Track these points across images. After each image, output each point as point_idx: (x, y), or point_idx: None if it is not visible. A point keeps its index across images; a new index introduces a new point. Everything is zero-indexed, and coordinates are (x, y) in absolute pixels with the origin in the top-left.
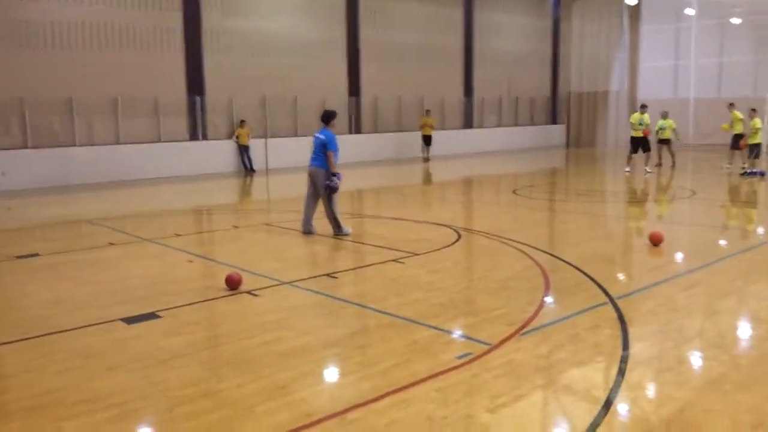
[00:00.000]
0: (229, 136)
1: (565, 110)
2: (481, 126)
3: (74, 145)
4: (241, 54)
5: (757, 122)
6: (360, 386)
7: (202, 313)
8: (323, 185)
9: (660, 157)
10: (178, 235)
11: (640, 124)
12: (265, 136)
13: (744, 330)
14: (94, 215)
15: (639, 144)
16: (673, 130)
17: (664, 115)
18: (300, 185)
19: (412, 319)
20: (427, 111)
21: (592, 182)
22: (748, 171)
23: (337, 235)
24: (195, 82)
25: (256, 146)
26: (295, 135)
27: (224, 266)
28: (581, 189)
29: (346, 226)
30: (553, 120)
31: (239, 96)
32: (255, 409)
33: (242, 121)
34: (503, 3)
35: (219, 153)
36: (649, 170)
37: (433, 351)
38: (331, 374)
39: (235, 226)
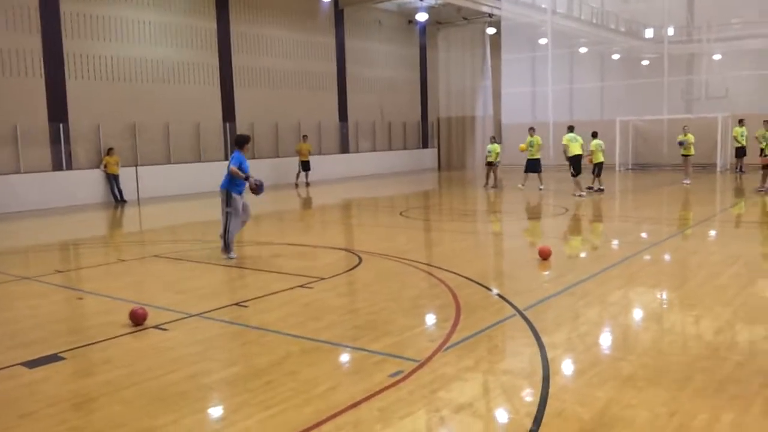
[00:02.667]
0: (97, 165)
1: (435, 134)
2: (356, 150)
3: None
4: (107, 79)
5: (598, 144)
6: (302, 412)
7: (111, 351)
8: (224, 204)
9: (487, 178)
10: (60, 272)
11: (531, 145)
12: (135, 164)
13: (640, 331)
14: None
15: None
16: (497, 153)
17: (492, 140)
18: (175, 214)
19: (335, 342)
20: (304, 136)
21: (472, 203)
22: (596, 188)
23: (223, 254)
24: (57, 109)
25: (126, 175)
26: (168, 162)
27: (120, 301)
28: (465, 209)
29: (234, 252)
30: (425, 144)
31: (106, 123)
32: None
33: (110, 149)
34: (373, 32)
35: (86, 183)
36: (532, 187)
37: (366, 372)
38: (269, 402)
39: (122, 259)
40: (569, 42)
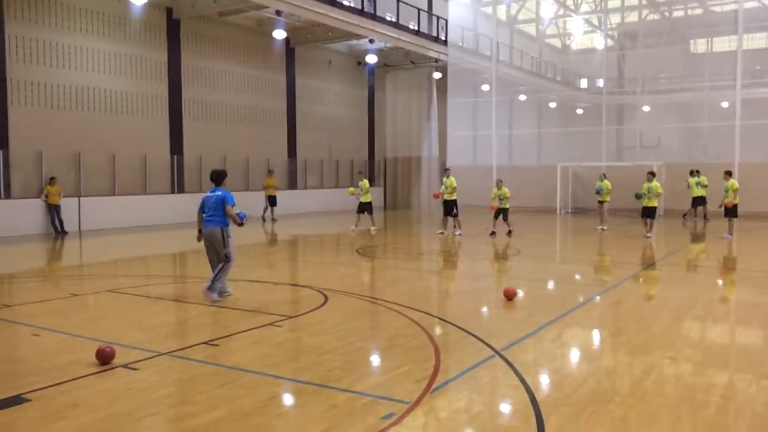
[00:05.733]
0: (37, 195)
1: (382, 173)
2: (304, 187)
3: None
4: (52, 106)
5: (506, 191)
6: None
7: (81, 392)
8: (221, 244)
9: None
10: (7, 306)
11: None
12: (78, 194)
13: (622, 372)
14: None
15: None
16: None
17: (448, 174)
18: (121, 247)
19: (318, 383)
20: (270, 171)
21: (426, 243)
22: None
23: (211, 295)
24: None
25: (68, 205)
26: (113, 194)
27: (81, 339)
28: (421, 249)
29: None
30: (371, 182)
31: (49, 151)
32: None
33: (52, 179)
34: (323, 71)
35: (25, 213)
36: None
37: (357, 414)
38: None
39: (74, 294)
40: (510, 89)
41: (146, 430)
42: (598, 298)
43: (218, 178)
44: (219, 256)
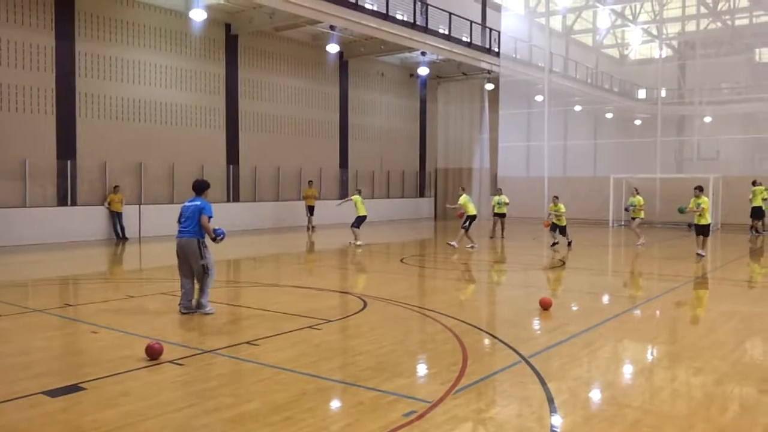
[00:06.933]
0: (101, 202)
1: (432, 184)
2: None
3: None
4: (116, 119)
5: (561, 207)
6: None
7: (129, 383)
8: (197, 256)
9: (493, 229)
10: (69, 305)
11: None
12: (139, 202)
13: (643, 380)
14: None
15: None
16: (506, 203)
17: (499, 191)
18: None
19: (349, 382)
20: (310, 182)
21: (471, 253)
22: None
23: (200, 311)
24: (66, 146)
25: (129, 213)
26: (171, 202)
27: (134, 336)
28: (465, 259)
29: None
30: (422, 193)
31: (113, 161)
32: None
33: (116, 187)
34: (375, 83)
35: (90, 219)
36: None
37: (381, 411)
38: None
39: (130, 296)
40: (564, 100)
41: (186, 418)
42: (635, 310)
43: (200, 187)
44: (196, 270)
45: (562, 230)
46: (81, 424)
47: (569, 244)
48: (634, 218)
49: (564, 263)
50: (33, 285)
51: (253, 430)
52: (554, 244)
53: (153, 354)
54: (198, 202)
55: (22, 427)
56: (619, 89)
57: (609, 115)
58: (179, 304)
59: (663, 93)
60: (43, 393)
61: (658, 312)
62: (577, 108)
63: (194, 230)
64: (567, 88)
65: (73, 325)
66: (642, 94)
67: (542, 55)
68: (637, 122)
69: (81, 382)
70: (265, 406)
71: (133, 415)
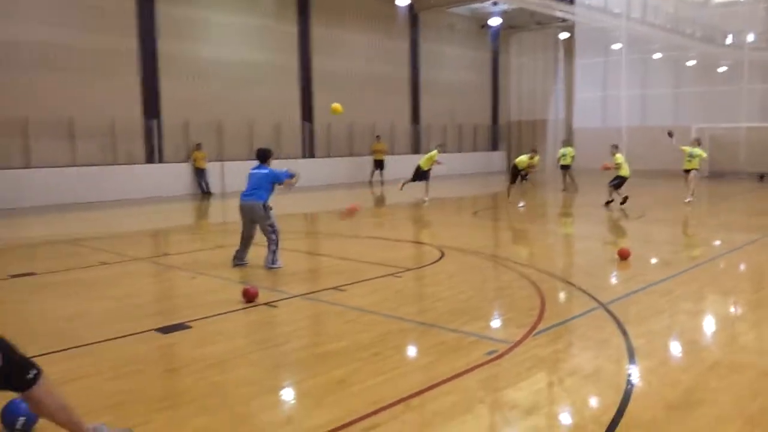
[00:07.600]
0: (186, 160)
1: (505, 138)
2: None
3: (28, 167)
4: (195, 79)
5: (618, 157)
6: (409, 379)
7: (229, 323)
8: (263, 217)
9: (564, 181)
10: (167, 254)
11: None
12: (221, 159)
13: (721, 327)
14: (70, 237)
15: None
16: (572, 156)
17: (564, 143)
18: None
19: (430, 323)
20: (378, 137)
21: (543, 205)
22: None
23: (272, 266)
24: (151, 106)
25: (212, 169)
26: (250, 159)
27: (230, 281)
28: (538, 211)
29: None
30: (494, 147)
31: (194, 120)
32: (323, 401)
33: (198, 145)
34: (446, 36)
35: (175, 176)
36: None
37: (463, 350)
38: (379, 370)
39: (220, 246)
40: (643, 47)
41: (283, 353)
42: (715, 260)
43: (264, 155)
44: (264, 229)
45: (619, 184)
46: (192, 356)
47: (624, 200)
48: (688, 170)
49: (643, 215)
50: (130, 237)
51: (343, 363)
52: (608, 203)
53: (249, 297)
54: (266, 170)
55: (142, 357)
56: (702, 35)
57: (691, 63)
58: (233, 258)
59: (751, 37)
60: (155, 330)
61: (739, 262)
62: (657, 56)
63: (259, 195)
64: (645, 34)
65: (172, 271)
66: (728, 39)
67: (619, 0)
68: (721, 69)
69: (187, 321)
70: (353, 344)
71: (234, 350)
